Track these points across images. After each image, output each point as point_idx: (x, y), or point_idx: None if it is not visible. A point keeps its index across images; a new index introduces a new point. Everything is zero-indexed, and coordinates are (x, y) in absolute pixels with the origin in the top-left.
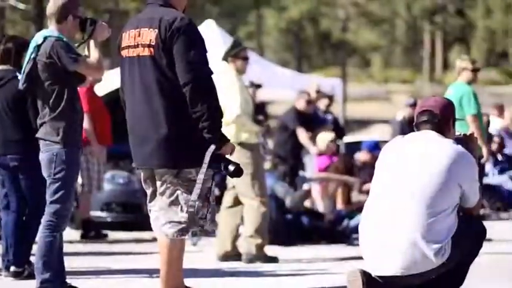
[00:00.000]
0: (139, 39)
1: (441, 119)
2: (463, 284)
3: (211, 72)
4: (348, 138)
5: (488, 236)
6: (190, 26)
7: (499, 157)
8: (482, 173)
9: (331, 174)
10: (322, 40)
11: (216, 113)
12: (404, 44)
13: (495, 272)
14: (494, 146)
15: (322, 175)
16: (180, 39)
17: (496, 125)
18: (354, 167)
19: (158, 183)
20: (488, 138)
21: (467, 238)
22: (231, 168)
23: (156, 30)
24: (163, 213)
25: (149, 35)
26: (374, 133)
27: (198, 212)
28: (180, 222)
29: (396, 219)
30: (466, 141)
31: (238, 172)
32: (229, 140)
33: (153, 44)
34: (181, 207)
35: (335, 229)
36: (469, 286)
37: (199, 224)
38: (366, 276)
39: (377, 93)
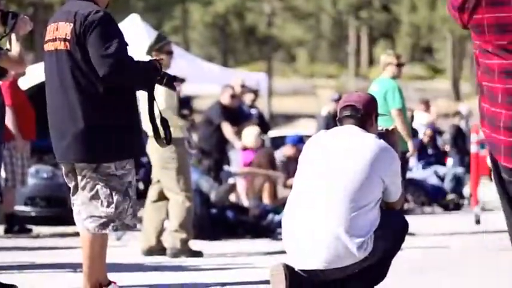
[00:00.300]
0: (57, 33)
1: (364, 114)
2: (388, 277)
3: (130, 61)
4: (274, 133)
5: (413, 230)
6: (104, 18)
7: (429, 151)
8: (406, 168)
9: (255, 168)
10: (247, 35)
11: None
12: (330, 39)
13: (420, 265)
14: (425, 139)
15: (247, 169)
16: (93, 33)
17: (422, 119)
18: (276, 161)
19: (79, 177)
20: (413, 133)
21: (390, 232)
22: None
23: (72, 24)
24: (85, 207)
25: (65, 29)
26: (299, 128)
27: (118, 206)
28: (100, 217)
29: (319, 214)
30: (388, 135)
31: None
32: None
33: (69, 38)
34: (102, 201)
35: (260, 224)
36: (394, 280)
37: (120, 218)
38: (288, 270)
39: (303, 88)
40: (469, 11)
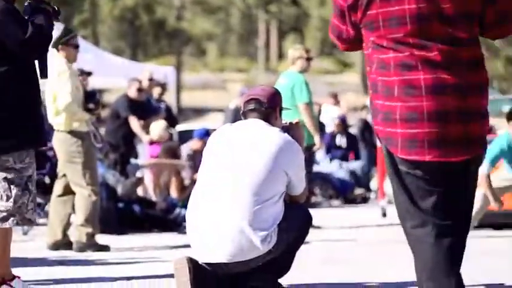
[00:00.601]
0: None
1: (268, 107)
2: (293, 270)
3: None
4: (182, 127)
5: (319, 223)
6: (6, 10)
7: (338, 139)
8: (313, 161)
9: (159, 160)
10: (157, 28)
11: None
12: (240, 33)
13: (326, 258)
14: (336, 129)
15: (153, 161)
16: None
17: (331, 113)
18: (180, 154)
19: None
20: (320, 127)
21: (293, 225)
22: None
23: None
24: None
25: None
26: (209, 122)
27: (17, 200)
28: (0, 211)
29: (223, 207)
30: (292, 129)
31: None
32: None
33: None
34: (1, 195)
35: (167, 217)
36: (299, 272)
37: (19, 212)
38: (192, 263)
39: (213, 82)
40: (362, 8)
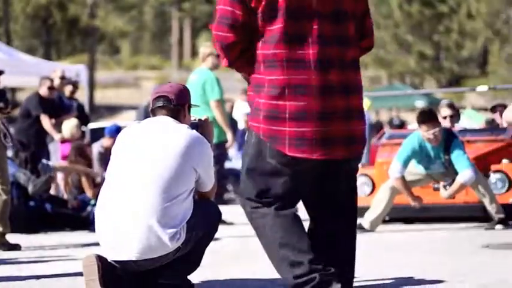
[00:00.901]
0: None
1: (176, 104)
2: (204, 267)
3: None
4: (95, 125)
5: (232, 219)
6: None
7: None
8: (224, 158)
9: (70, 164)
10: (70, 26)
11: None
12: (153, 30)
13: (238, 254)
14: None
15: (63, 165)
16: None
17: (244, 109)
18: (88, 153)
19: None
20: (232, 123)
21: (203, 222)
22: None
23: None
24: None
25: None
26: (123, 119)
27: None
28: None
29: (131, 205)
30: (201, 126)
31: None
32: None
33: None
34: None
35: (79, 215)
36: (211, 269)
37: None
38: (101, 261)
39: (126, 80)
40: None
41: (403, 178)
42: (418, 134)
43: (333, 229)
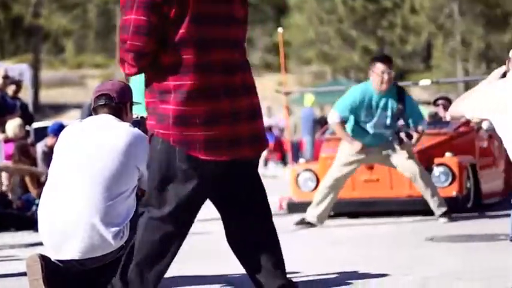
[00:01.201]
0: None
1: (118, 102)
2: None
3: None
4: (39, 124)
5: None
6: None
7: None
8: None
9: (16, 164)
10: (14, 26)
11: None
12: (97, 28)
13: (187, 250)
14: None
15: (8, 165)
16: None
17: None
18: (31, 152)
19: None
20: None
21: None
22: None
23: None
24: None
25: None
26: (68, 118)
27: None
28: None
29: (74, 204)
30: (144, 124)
31: None
32: None
33: None
34: None
35: (23, 215)
36: None
37: None
38: (45, 260)
39: (71, 79)
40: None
41: (342, 123)
42: (363, 86)
43: (248, 228)
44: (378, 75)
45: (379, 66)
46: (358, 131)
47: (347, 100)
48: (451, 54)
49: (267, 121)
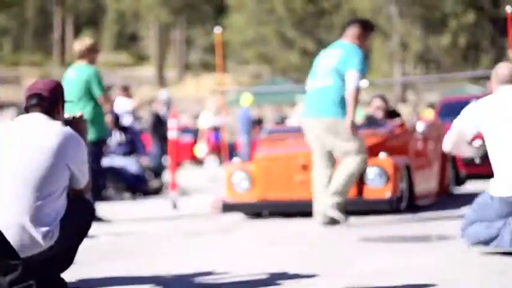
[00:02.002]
0: None
1: (50, 101)
2: (80, 265)
3: None
4: None
5: (110, 217)
6: None
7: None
8: (101, 155)
9: None
10: None
11: None
12: (35, 27)
13: (115, 250)
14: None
15: None
16: None
17: (124, 106)
18: None
19: None
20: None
21: (76, 219)
22: None
23: None
24: None
25: None
26: (4, 117)
27: None
28: None
29: (3, 203)
30: (75, 123)
31: None
32: None
33: None
34: None
35: None
36: (87, 266)
37: None
38: None
39: (7, 77)
40: None
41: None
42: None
43: None
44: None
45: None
46: None
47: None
48: (389, 56)
49: (214, 121)
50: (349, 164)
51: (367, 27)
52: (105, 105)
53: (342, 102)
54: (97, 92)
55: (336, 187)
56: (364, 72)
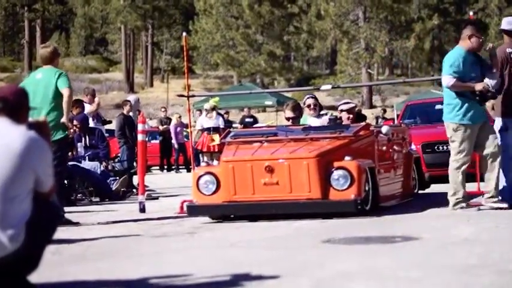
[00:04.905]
0: None
1: (14, 106)
2: (46, 268)
3: None
4: None
5: (78, 219)
6: None
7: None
8: (65, 158)
9: None
10: None
11: None
12: (4, 31)
13: (83, 254)
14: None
15: None
16: None
17: (87, 110)
18: None
19: None
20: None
21: (41, 222)
22: None
23: None
24: None
25: None
26: None
27: None
28: None
29: None
30: (39, 126)
31: None
32: None
33: None
34: None
35: None
36: (52, 270)
37: None
38: None
39: None
40: None
41: (457, 79)
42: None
43: None
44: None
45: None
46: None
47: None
48: (355, 60)
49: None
50: None
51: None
52: (68, 99)
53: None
54: (63, 84)
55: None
56: (457, 72)
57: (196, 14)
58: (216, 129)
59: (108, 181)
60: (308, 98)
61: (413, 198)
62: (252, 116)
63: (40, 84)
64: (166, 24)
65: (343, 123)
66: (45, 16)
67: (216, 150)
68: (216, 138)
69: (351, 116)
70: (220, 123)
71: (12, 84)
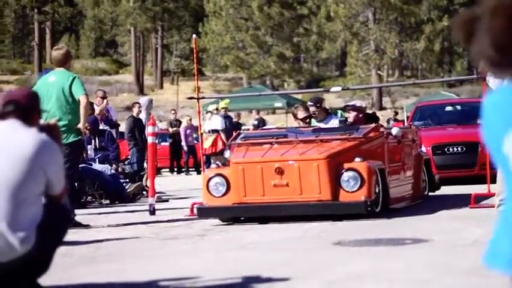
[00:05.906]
0: None
1: (26, 109)
2: (57, 270)
3: None
4: None
5: (88, 222)
6: None
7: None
8: (76, 160)
9: None
10: None
11: None
12: (14, 34)
13: (93, 256)
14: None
15: None
16: None
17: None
18: None
19: None
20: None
21: (52, 225)
22: None
23: None
24: None
25: None
26: None
27: None
28: None
29: None
30: (50, 129)
31: None
32: None
33: None
34: None
35: None
36: (63, 272)
37: None
38: None
39: None
40: None
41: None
42: None
43: None
44: None
45: None
46: None
47: None
48: (365, 61)
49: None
50: None
51: None
52: (86, 105)
53: None
54: (79, 91)
55: None
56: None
57: (206, 16)
58: (215, 131)
59: (119, 184)
60: (308, 105)
61: (423, 200)
62: (260, 119)
63: (53, 87)
64: (176, 26)
65: (348, 121)
66: (55, 18)
67: (209, 152)
68: (209, 140)
69: (357, 113)
70: (220, 125)
71: (24, 87)
